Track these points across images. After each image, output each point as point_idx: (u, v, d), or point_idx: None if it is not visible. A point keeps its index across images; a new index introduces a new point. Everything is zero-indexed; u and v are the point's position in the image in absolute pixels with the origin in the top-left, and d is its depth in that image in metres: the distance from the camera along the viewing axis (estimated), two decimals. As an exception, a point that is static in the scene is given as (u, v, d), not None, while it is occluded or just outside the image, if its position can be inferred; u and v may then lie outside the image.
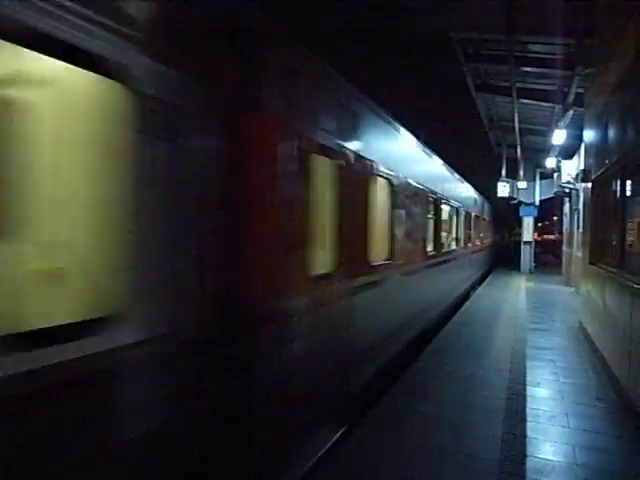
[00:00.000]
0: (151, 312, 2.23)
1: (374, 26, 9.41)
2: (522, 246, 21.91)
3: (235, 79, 2.87)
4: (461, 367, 6.36)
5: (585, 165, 9.54)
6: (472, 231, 14.61)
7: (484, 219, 18.79)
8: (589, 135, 8.59)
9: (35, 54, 1.78)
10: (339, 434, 4.31)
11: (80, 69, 1.95)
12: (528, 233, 21.84)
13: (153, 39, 2.27)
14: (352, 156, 4.50)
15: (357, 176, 4.67)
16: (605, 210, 7.20)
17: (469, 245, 13.92)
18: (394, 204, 5.96)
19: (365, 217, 4.95)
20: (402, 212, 6.33)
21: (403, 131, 6.81)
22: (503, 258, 29.05)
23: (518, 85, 10.46)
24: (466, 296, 13.26)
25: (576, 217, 14.39)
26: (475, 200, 15.98)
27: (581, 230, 11.97)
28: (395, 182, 5.96)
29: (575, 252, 14.02)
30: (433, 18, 8.69)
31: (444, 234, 10.16)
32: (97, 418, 1.98)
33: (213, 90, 2.70)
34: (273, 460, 3.23)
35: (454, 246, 11.42)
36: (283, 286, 3.28)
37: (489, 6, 8.09)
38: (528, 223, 21.83)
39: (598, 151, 7.53)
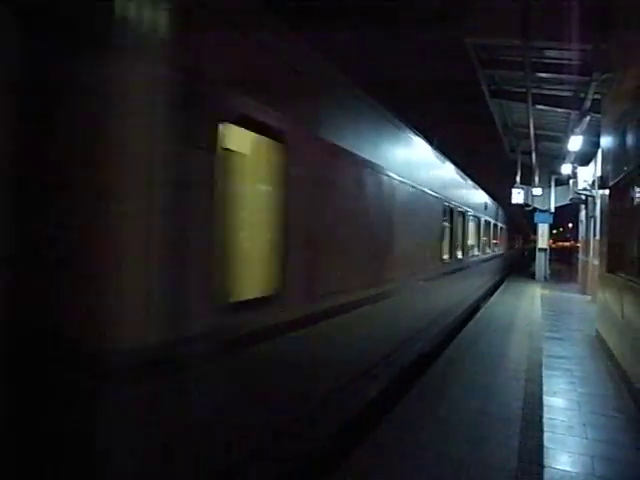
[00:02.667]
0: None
1: (388, 32, 9.41)
2: (537, 253, 21.68)
3: None
4: (476, 376, 6.29)
5: (602, 172, 9.42)
6: (489, 239, 15.54)
7: (499, 227, 18.77)
8: (606, 141, 8.50)
9: None
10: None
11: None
12: (543, 240, 21.61)
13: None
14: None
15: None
16: (623, 217, 7.10)
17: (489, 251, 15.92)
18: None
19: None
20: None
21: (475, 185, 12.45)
22: (517, 265, 28.80)
23: (533, 91, 10.37)
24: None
25: (592, 224, 14.21)
26: (493, 210, 16.53)
27: (597, 237, 11.81)
28: (482, 220, 12.76)
29: (591, 260, 13.83)
30: (448, 24, 8.67)
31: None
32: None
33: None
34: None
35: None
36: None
37: (505, 12, 8.06)
38: (543, 230, 21.60)
39: (616, 158, 7.43)
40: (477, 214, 12.49)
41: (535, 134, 13.70)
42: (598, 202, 11.98)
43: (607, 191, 8.36)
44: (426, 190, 7.05)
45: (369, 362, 4.89)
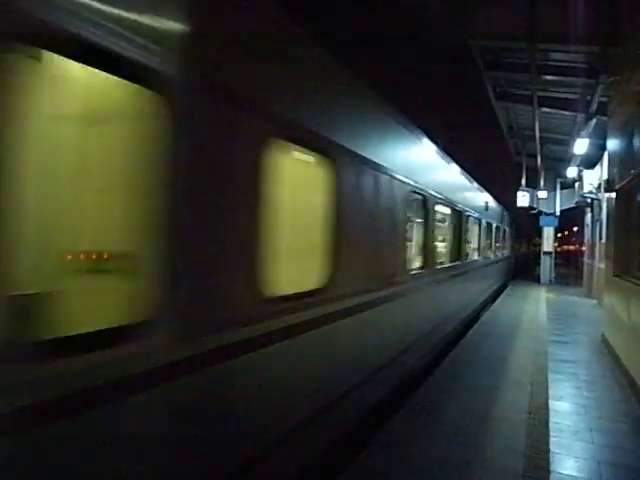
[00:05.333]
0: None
1: (393, 35, 9.41)
2: (542, 256, 21.58)
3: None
4: (481, 380, 6.25)
5: (609, 175, 9.38)
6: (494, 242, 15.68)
7: (504, 230, 18.77)
8: (613, 144, 8.45)
9: None
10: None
11: None
12: (548, 243, 21.51)
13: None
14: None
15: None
16: (630, 221, 7.05)
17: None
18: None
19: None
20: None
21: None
22: (522, 268, 28.69)
23: (539, 94, 10.35)
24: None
25: (598, 228, 14.14)
26: (499, 213, 16.69)
27: (603, 241, 11.74)
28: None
29: (597, 263, 13.75)
30: (453, 26, 8.66)
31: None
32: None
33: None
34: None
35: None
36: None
37: (510, 14, 8.05)
38: (548, 233, 21.50)
39: (622, 161, 7.39)
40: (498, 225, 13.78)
41: (541, 137, 13.67)
42: (604, 205, 11.92)
43: (613, 194, 8.32)
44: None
45: None
